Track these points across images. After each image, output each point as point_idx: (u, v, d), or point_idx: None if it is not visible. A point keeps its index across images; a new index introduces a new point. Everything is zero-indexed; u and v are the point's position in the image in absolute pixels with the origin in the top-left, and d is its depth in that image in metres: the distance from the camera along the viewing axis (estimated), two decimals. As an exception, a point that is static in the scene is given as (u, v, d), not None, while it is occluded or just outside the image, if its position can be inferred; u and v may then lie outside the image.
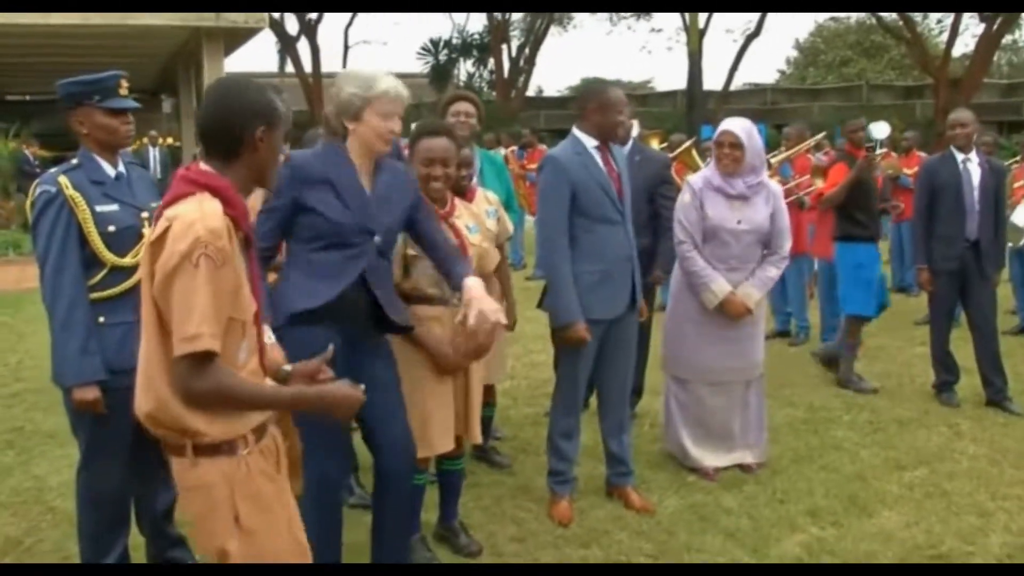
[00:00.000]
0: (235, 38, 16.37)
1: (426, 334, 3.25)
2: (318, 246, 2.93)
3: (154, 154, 16.07)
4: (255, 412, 2.14)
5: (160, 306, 2.01)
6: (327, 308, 2.89)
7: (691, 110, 21.01)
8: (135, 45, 16.52)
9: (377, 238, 2.97)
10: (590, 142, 3.83)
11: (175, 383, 2.01)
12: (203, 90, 13.11)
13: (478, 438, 3.58)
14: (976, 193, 5.52)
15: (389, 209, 3.01)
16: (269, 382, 2.25)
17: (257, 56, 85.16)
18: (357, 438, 3.43)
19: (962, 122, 5.63)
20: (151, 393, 2.07)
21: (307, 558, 2.27)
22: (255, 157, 2.13)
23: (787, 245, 4.33)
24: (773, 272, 4.30)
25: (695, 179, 4.39)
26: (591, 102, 3.84)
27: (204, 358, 1.98)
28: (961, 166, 5.56)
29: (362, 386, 2.21)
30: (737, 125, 4.23)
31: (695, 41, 21.44)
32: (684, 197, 4.34)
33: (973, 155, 5.60)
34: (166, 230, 1.98)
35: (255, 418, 2.15)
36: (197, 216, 1.98)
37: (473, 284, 3.00)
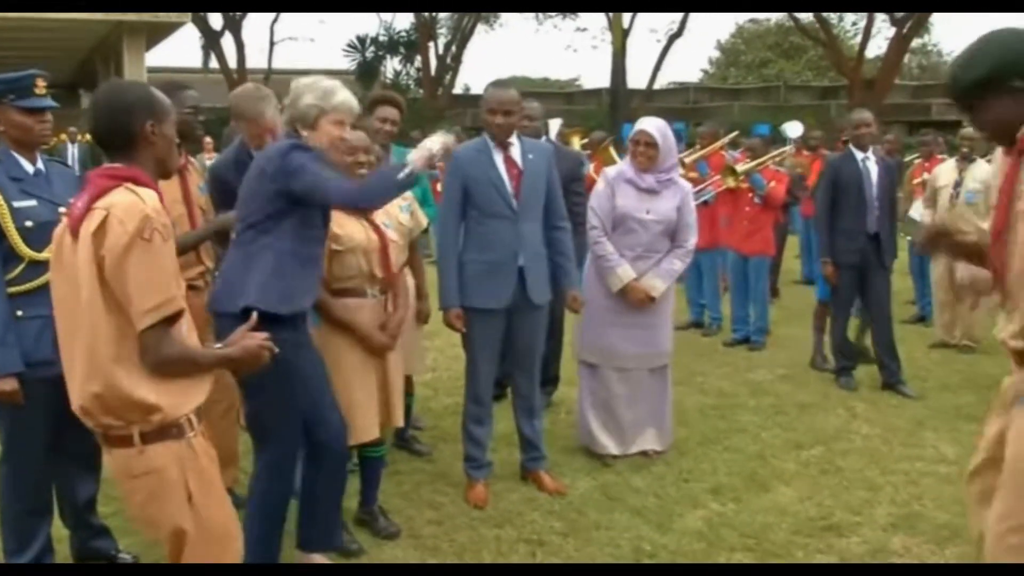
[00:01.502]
0: (157, 32, 16.16)
1: (354, 321, 3.48)
2: (319, 239, 3.18)
3: (73, 150, 15.70)
4: (196, 390, 2.30)
5: (114, 287, 2.14)
6: None
7: (615, 108, 21.36)
8: (53, 39, 16.18)
9: None
10: (492, 141, 4.01)
11: (144, 356, 2.16)
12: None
13: (401, 420, 3.76)
14: (875, 189, 5.85)
15: None
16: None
17: (180, 51, 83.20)
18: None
19: (866, 122, 5.97)
20: (96, 378, 2.18)
21: (239, 529, 2.47)
22: (153, 150, 2.30)
23: (692, 240, 4.55)
24: (677, 265, 4.52)
25: (610, 171, 4.62)
26: (479, 102, 4.03)
27: (171, 322, 2.16)
28: (861, 164, 5.89)
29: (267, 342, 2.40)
30: (652, 125, 4.45)
31: (619, 40, 21.81)
32: (599, 186, 4.55)
33: (870, 153, 5.94)
34: (105, 218, 2.13)
35: (197, 397, 2.31)
36: (137, 199, 2.15)
37: None
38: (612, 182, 4.49)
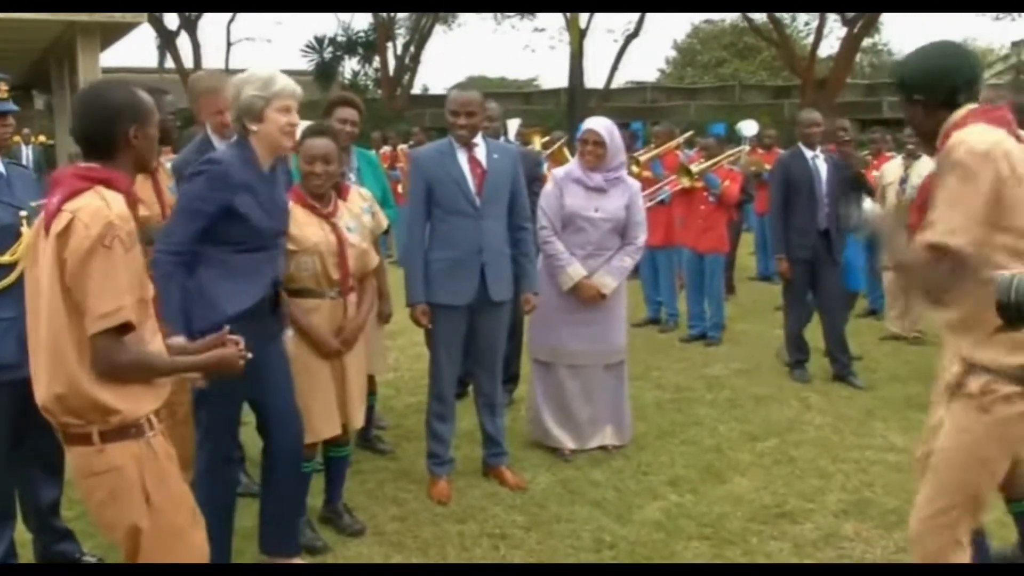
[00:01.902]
0: (112, 33, 15.92)
1: (309, 324, 3.50)
2: (238, 248, 3.07)
3: (27, 152, 15.42)
4: (154, 394, 2.31)
5: (73, 290, 2.16)
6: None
7: (572, 108, 21.45)
8: (4, 39, 15.89)
9: (282, 239, 3.23)
10: (456, 142, 4.09)
11: (95, 361, 2.16)
12: (78, 87, 12.72)
13: (359, 422, 3.78)
14: (824, 186, 6.01)
15: (286, 209, 3.29)
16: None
17: (135, 51, 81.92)
18: (244, 431, 3.58)
19: (816, 121, 6.15)
20: (59, 380, 2.19)
21: (202, 528, 2.46)
22: (134, 153, 2.31)
23: (642, 236, 4.65)
24: (628, 262, 4.62)
25: (558, 171, 4.71)
26: (442, 103, 4.12)
27: (123, 331, 2.16)
28: (811, 162, 6.05)
29: (242, 347, 2.41)
30: (600, 125, 4.55)
31: (576, 40, 21.91)
32: (547, 187, 4.65)
33: (819, 151, 6.10)
34: (71, 221, 2.14)
35: (157, 398, 2.32)
36: (104, 204, 2.16)
37: None
38: (560, 182, 4.58)
